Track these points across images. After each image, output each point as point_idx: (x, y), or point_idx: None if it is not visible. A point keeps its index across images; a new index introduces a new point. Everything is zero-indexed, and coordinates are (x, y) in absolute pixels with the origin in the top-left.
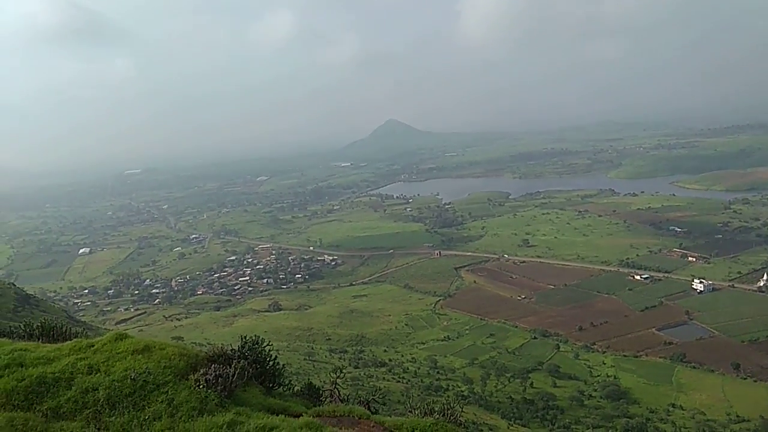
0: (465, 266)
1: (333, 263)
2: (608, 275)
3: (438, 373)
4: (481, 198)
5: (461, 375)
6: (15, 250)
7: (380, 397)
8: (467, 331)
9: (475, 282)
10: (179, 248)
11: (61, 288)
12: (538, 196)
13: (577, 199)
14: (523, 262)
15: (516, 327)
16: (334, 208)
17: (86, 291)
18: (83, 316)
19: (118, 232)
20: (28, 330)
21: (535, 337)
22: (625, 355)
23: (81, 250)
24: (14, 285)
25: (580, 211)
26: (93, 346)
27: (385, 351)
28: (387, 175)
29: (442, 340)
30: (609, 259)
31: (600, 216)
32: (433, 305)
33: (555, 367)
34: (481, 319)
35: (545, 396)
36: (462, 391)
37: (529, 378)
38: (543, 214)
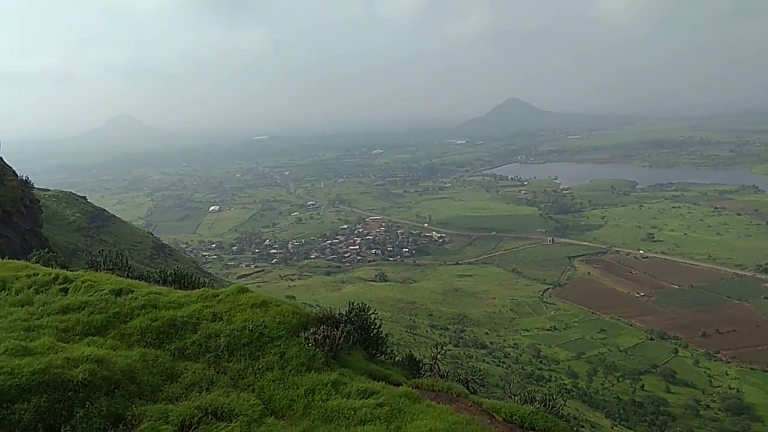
0: (579, 256)
1: (440, 240)
2: (742, 280)
3: (540, 362)
4: (603, 185)
5: (565, 368)
6: (154, 203)
7: (479, 378)
8: (576, 324)
9: (589, 273)
10: (297, 213)
11: (192, 240)
12: (670, 188)
13: (714, 194)
14: (646, 257)
15: (631, 325)
16: (446, 185)
17: (213, 245)
18: (210, 268)
19: (244, 193)
20: (162, 276)
21: (651, 338)
22: (752, 368)
23: (211, 208)
24: (152, 234)
25: (716, 208)
26: (218, 296)
27: (486, 333)
28: (503, 155)
29: (548, 330)
30: (745, 262)
31: (739, 215)
32: (541, 293)
33: (670, 372)
34: (592, 312)
35: (656, 400)
36: (565, 384)
37: (641, 380)
38: (673, 207)
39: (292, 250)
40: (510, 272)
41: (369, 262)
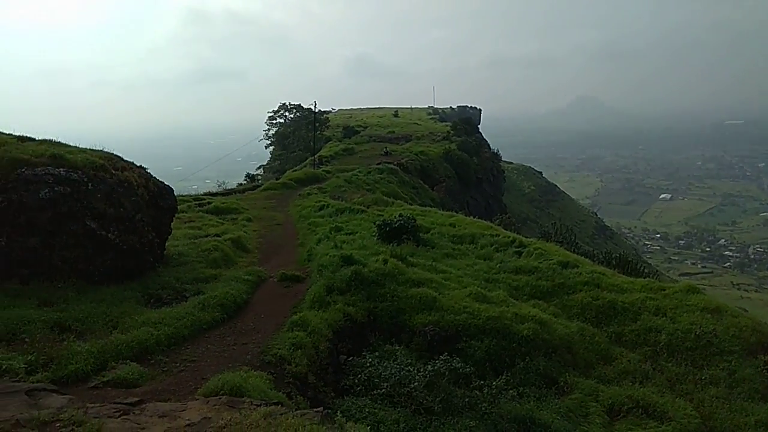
0: None
1: None
2: None
3: None
4: None
5: None
6: (603, 184)
7: None
8: None
9: None
10: (766, 213)
11: (635, 227)
12: None
13: None
14: None
15: None
16: None
17: (658, 235)
18: (650, 258)
19: (703, 183)
20: (606, 258)
21: None
22: None
23: (662, 195)
24: (596, 215)
25: None
26: (664, 290)
27: None
28: None
29: None
30: None
31: None
32: None
33: None
34: None
35: None
36: None
37: None
38: None
39: (752, 257)
40: None
41: None
